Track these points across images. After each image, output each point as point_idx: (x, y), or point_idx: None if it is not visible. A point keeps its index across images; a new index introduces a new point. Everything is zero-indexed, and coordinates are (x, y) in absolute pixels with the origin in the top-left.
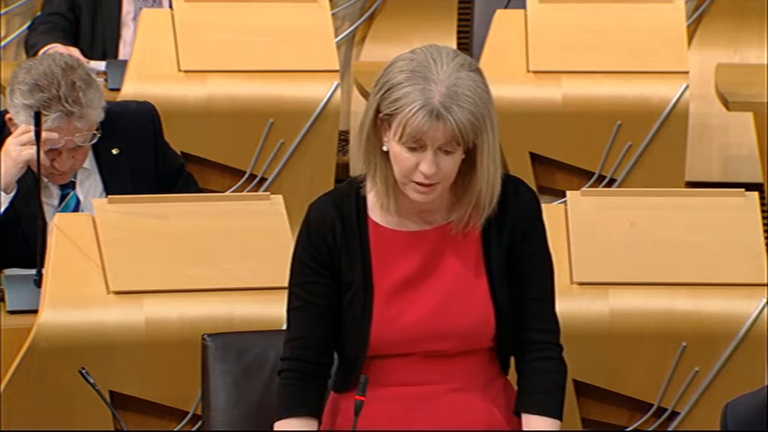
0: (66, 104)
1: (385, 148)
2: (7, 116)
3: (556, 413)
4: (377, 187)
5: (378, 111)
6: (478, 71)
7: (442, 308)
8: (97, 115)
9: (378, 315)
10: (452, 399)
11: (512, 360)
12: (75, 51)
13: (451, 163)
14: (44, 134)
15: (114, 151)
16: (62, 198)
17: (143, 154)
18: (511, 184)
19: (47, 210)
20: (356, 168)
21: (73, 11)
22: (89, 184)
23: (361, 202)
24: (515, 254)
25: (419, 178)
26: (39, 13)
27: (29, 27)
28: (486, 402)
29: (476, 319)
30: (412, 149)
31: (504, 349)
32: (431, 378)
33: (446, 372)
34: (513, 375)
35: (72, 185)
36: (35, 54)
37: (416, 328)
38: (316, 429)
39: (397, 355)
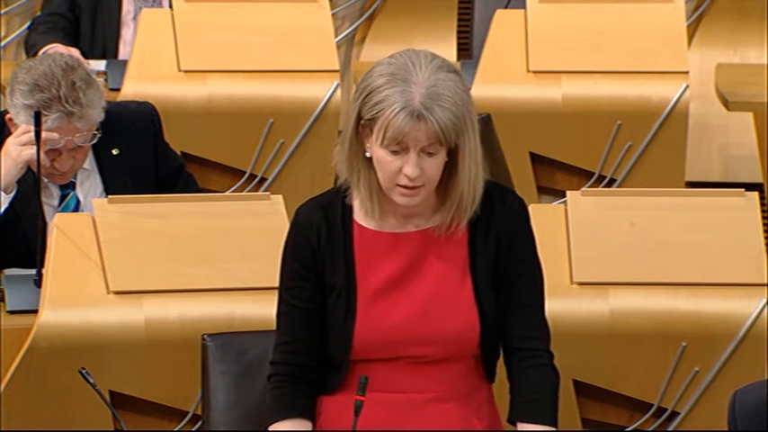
0: (66, 105)
1: (368, 154)
2: (7, 116)
3: (550, 420)
4: (361, 194)
5: (359, 117)
6: (457, 73)
7: (427, 311)
8: (97, 115)
9: (361, 317)
10: (433, 409)
11: (500, 368)
12: (75, 51)
13: (435, 165)
14: (44, 134)
15: (114, 151)
16: (62, 198)
17: (143, 154)
18: (497, 191)
19: (47, 210)
20: (339, 173)
21: (73, 11)
22: (89, 185)
23: (347, 208)
24: (503, 261)
25: (404, 182)
26: (39, 14)
27: (29, 27)
28: (466, 413)
29: (461, 324)
30: (395, 153)
31: (490, 356)
32: (414, 385)
33: (429, 379)
34: (502, 384)
35: (72, 186)
36: (35, 54)
37: (401, 330)
38: (310, 430)
39: (382, 360)
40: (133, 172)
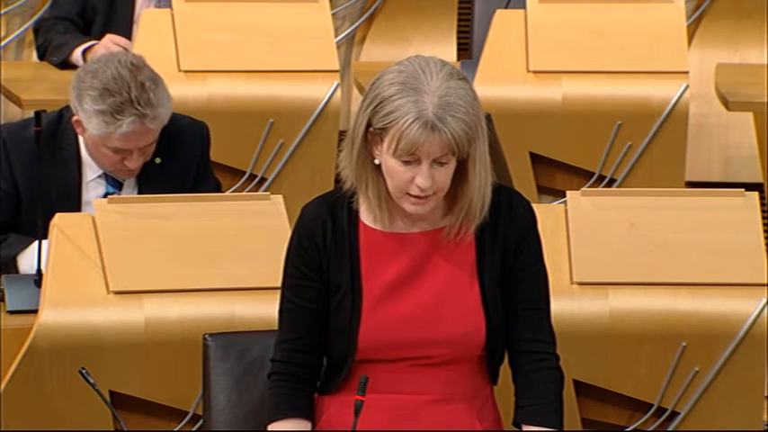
0: (138, 107)
1: (377, 162)
2: (74, 118)
3: (556, 423)
4: (369, 201)
5: (368, 125)
6: (466, 80)
7: (433, 313)
8: (167, 113)
9: (366, 318)
10: (435, 410)
11: (503, 371)
12: (122, 41)
13: (446, 174)
14: (117, 143)
15: (156, 160)
16: (106, 196)
17: (183, 169)
18: (505, 195)
19: (89, 205)
20: (345, 180)
21: (82, 15)
22: (128, 189)
23: (354, 211)
24: (509, 265)
25: (415, 191)
26: (46, 17)
27: (35, 30)
28: (469, 415)
29: (466, 327)
30: (407, 163)
31: (495, 359)
32: (417, 387)
33: (433, 381)
34: (506, 386)
35: (119, 186)
36: (69, 54)
37: (406, 331)
38: (309, 430)
39: (386, 361)
40: (170, 184)
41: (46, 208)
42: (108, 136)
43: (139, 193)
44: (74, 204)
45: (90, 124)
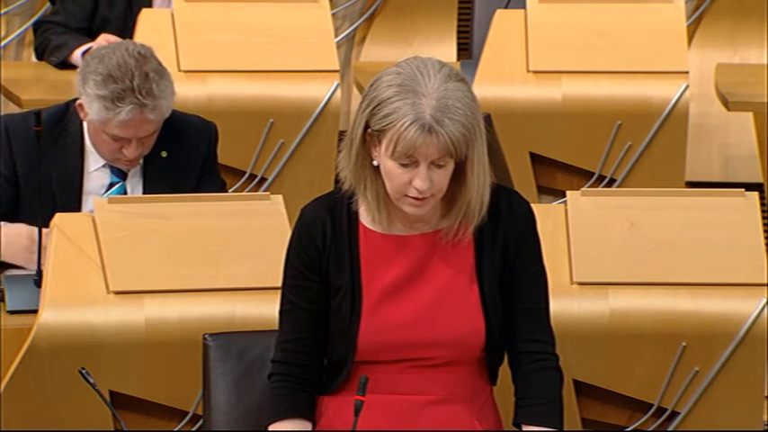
0: (139, 96)
1: (375, 163)
2: (77, 102)
3: (556, 423)
4: (368, 202)
5: (367, 127)
6: (464, 81)
7: (432, 314)
8: (168, 107)
9: (366, 319)
10: (435, 411)
11: (503, 371)
12: (114, 39)
13: (444, 176)
14: (116, 130)
15: (163, 154)
16: (110, 186)
17: (189, 165)
18: (504, 196)
19: (91, 197)
20: (343, 181)
21: (85, 28)
22: (135, 180)
23: (353, 212)
24: (509, 266)
25: (413, 193)
26: (46, 17)
27: (35, 29)
28: (468, 415)
29: (466, 328)
30: (404, 165)
31: (494, 360)
32: (416, 388)
33: (432, 382)
34: (506, 386)
35: (124, 176)
36: (69, 54)
37: (406, 333)
38: (309, 430)
39: (385, 362)
40: (174, 177)
41: (47, 196)
42: (107, 122)
43: (144, 185)
44: (75, 193)
45: (91, 108)
